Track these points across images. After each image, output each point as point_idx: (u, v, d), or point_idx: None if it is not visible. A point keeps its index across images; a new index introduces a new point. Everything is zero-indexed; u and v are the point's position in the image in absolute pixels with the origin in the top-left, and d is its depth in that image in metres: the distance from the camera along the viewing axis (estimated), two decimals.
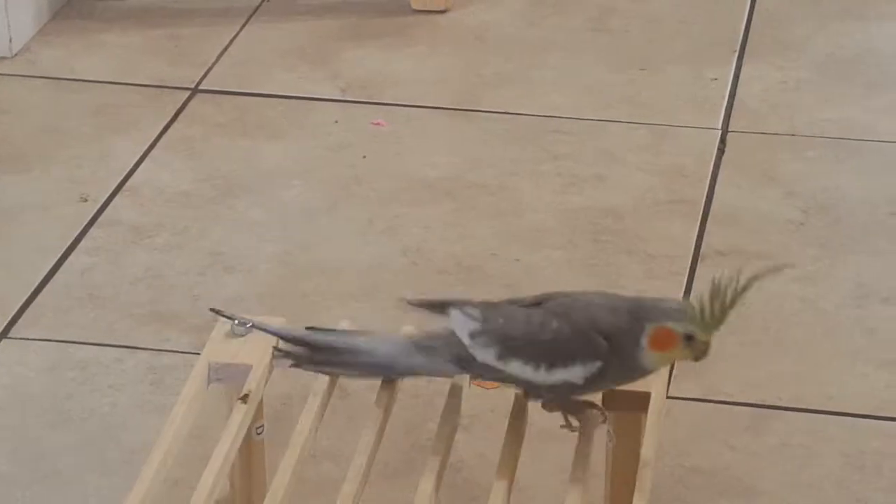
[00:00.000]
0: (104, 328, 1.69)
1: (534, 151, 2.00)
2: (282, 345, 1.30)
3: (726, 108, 2.09)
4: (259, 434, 1.40)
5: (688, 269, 1.78)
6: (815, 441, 1.53)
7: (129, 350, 1.66)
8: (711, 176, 1.96)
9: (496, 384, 1.52)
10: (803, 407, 1.57)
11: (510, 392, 1.35)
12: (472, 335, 1.25)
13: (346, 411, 1.51)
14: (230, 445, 1.29)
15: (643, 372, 1.23)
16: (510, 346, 1.24)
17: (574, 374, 1.23)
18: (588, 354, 1.21)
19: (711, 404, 1.55)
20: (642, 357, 1.21)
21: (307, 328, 1.31)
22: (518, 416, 1.31)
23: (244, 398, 1.33)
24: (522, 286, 1.74)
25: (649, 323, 1.19)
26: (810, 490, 1.47)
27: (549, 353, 1.23)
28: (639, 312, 1.20)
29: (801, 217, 1.88)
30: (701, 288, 1.74)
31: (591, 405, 1.28)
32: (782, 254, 1.81)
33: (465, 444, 1.50)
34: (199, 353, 1.38)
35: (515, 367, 1.24)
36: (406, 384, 1.37)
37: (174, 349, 1.65)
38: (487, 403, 1.55)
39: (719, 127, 2.05)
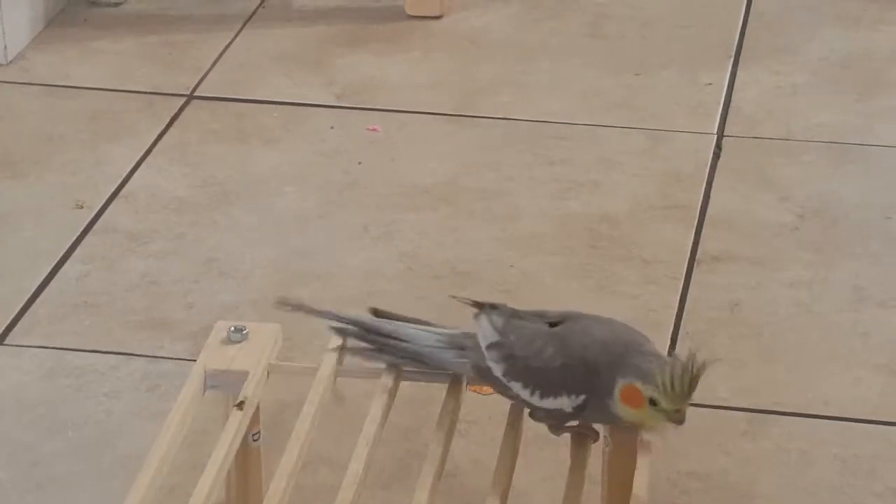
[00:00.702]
0: (100, 335, 1.69)
1: (529, 157, 2.00)
2: (335, 325, 1.33)
3: (721, 112, 2.09)
4: (255, 441, 1.40)
5: (683, 275, 1.78)
6: (811, 445, 1.53)
7: (125, 357, 1.65)
8: (707, 181, 1.96)
9: (492, 390, 1.52)
10: (799, 411, 1.57)
11: (506, 398, 1.35)
12: (489, 347, 1.26)
13: (342, 418, 1.50)
14: (226, 452, 1.28)
15: (621, 420, 1.23)
16: (513, 365, 1.26)
17: (562, 403, 1.24)
18: (572, 387, 1.23)
19: (707, 409, 1.55)
20: (615, 407, 1.22)
21: (374, 312, 1.34)
22: (514, 422, 1.31)
23: (240, 405, 1.33)
24: (518, 292, 1.74)
25: (622, 378, 1.20)
26: (806, 495, 1.47)
27: (541, 380, 1.25)
28: (617, 363, 1.21)
29: (797, 221, 1.88)
30: (696, 294, 1.75)
31: (588, 431, 1.28)
32: (778, 258, 1.81)
33: (461, 450, 1.50)
34: (194, 360, 1.38)
35: (517, 388, 1.26)
36: (401, 390, 1.38)
37: (170, 356, 1.65)
38: (483, 409, 1.55)
39: (715, 132, 2.06)
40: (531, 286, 1.75)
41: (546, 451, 1.49)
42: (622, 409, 1.22)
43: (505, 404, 1.34)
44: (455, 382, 1.34)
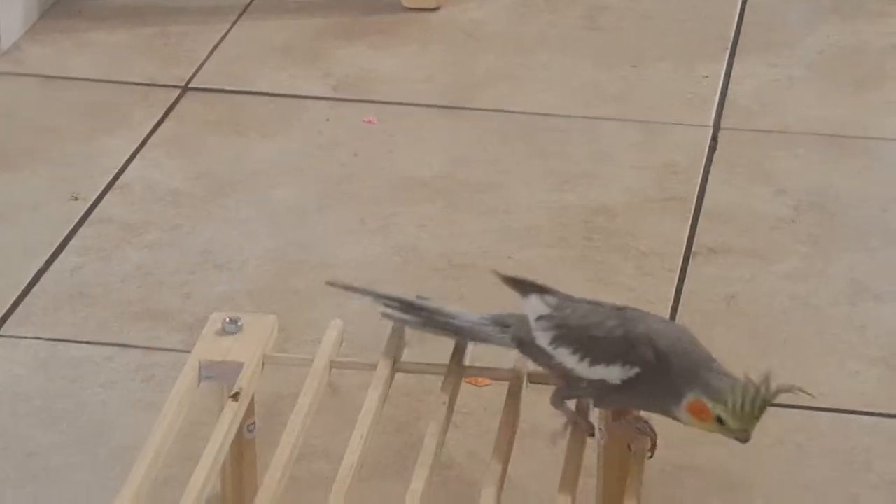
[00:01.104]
0: (95, 326, 1.69)
1: (525, 149, 2.00)
2: (385, 303, 1.35)
3: (718, 105, 2.09)
4: (250, 432, 1.39)
5: (679, 267, 1.78)
6: (807, 438, 1.53)
7: (120, 348, 1.65)
8: (703, 173, 1.96)
9: (488, 381, 1.52)
10: (795, 404, 1.57)
11: (502, 389, 1.35)
12: (539, 318, 1.28)
13: (338, 409, 1.50)
14: (221, 443, 1.28)
15: (675, 418, 1.25)
16: (565, 334, 1.27)
17: (612, 373, 1.24)
18: (630, 359, 1.23)
19: None
20: (679, 413, 1.23)
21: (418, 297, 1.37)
22: (509, 414, 1.31)
23: (235, 396, 1.33)
24: None
25: (691, 391, 1.21)
26: (802, 487, 1.47)
27: (596, 348, 1.25)
28: (693, 372, 1.22)
29: (793, 214, 1.88)
30: (692, 287, 1.74)
31: (630, 420, 1.29)
32: (774, 250, 1.81)
33: (457, 442, 1.49)
34: (190, 351, 1.38)
35: (563, 355, 1.27)
36: (397, 382, 1.37)
37: (165, 347, 1.65)
38: (479, 401, 1.54)
39: (711, 124, 2.05)
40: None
41: (541, 442, 1.49)
42: (685, 417, 1.23)
43: (500, 397, 1.34)
44: (451, 374, 1.34)
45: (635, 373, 1.23)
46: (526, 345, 1.30)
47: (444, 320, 1.34)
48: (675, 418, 1.25)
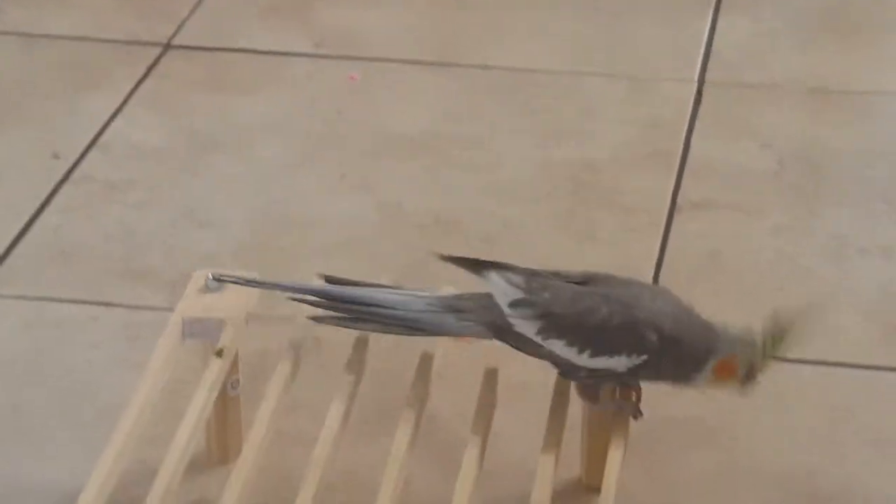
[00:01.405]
0: (79, 285, 1.68)
1: (510, 105, 2.00)
2: (297, 297, 1.27)
3: (703, 59, 2.08)
4: (234, 389, 1.40)
5: (664, 222, 1.78)
6: (791, 390, 1.53)
7: (105, 307, 1.65)
8: (688, 128, 1.95)
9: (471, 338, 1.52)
10: (778, 356, 1.57)
11: (486, 344, 1.34)
12: (513, 304, 1.23)
13: (322, 365, 1.50)
14: (205, 400, 1.28)
15: (688, 386, 1.24)
16: (554, 323, 1.22)
17: (618, 363, 1.22)
18: (635, 348, 1.22)
19: None
20: (699, 379, 1.23)
21: (327, 279, 1.28)
22: (493, 369, 1.31)
23: (219, 353, 1.33)
24: (500, 240, 1.74)
25: (713, 356, 1.21)
26: (785, 439, 1.47)
27: (596, 339, 1.22)
28: (711, 341, 1.22)
29: (777, 168, 1.88)
30: (676, 242, 1.74)
31: (629, 396, 1.28)
32: (759, 205, 1.81)
33: (441, 397, 1.49)
34: (174, 310, 1.37)
35: (556, 346, 1.23)
36: (382, 336, 1.37)
37: (150, 305, 1.64)
38: (464, 355, 1.54)
39: (696, 79, 2.05)
40: (513, 234, 1.74)
41: (526, 397, 1.49)
42: (708, 380, 1.23)
43: (484, 351, 1.34)
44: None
45: (642, 360, 1.23)
46: (504, 332, 1.25)
47: (387, 313, 1.25)
48: (687, 386, 1.25)
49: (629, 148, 1.91)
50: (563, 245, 1.73)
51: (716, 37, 2.13)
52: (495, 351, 1.33)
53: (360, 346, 1.33)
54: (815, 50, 2.10)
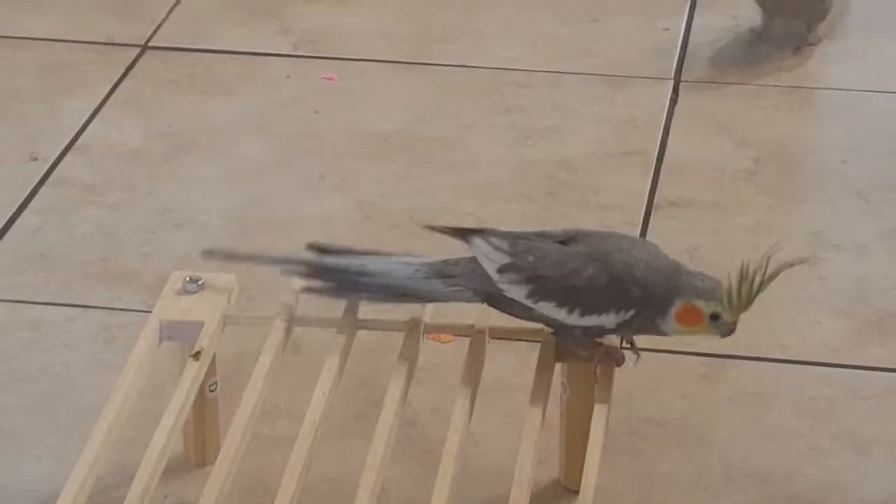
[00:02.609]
0: (56, 287, 1.68)
1: (487, 104, 2.00)
2: (285, 270, 1.27)
3: (678, 58, 2.09)
4: (212, 391, 1.39)
5: (641, 220, 1.78)
6: (769, 389, 1.53)
7: (82, 309, 1.64)
8: (664, 126, 1.96)
9: (451, 338, 1.52)
10: (756, 356, 1.58)
11: (464, 345, 1.35)
12: (501, 270, 1.24)
13: (300, 367, 1.50)
14: (182, 403, 1.28)
15: (662, 334, 1.25)
16: (543, 286, 1.24)
17: (607, 320, 1.24)
18: (622, 303, 1.23)
19: (664, 354, 1.55)
20: (664, 324, 1.24)
21: (317, 248, 1.28)
22: (471, 370, 1.31)
23: (196, 355, 1.32)
24: None
25: (679, 297, 1.22)
26: (764, 438, 1.48)
27: (584, 298, 1.24)
28: (673, 283, 1.23)
29: (754, 166, 1.88)
30: (654, 240, 1.75)
31: (623, 347, 1.29)
32: (735, 203, 1.81)
33: (420, 398, 1.50)
34: (151, 312, 1.37)
35: (546, 308, 1.25)
36: (359, 339, 1.37)
37: (127, 307, 1.64)
38: (441, 357, 1.55)
39: (672, 77, 2.05)
40: None
41: (503, 398, 1.49)
42: (670, 326, 1.24)
43: (462, 353, 1.34)
44: (412, 331, 1.34)
45: (630, 314, 1.24)
46: (495, 298, 1.27)
47: (375, 282, 1.25)
48: (660, 333, 1.26)
49: (606, 146, 1.91)
50: None
51: (691, 36, 2.14)
52: (474, 350, 1.33)
53: (338, 347, 1.33)
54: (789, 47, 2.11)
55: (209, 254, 1.35)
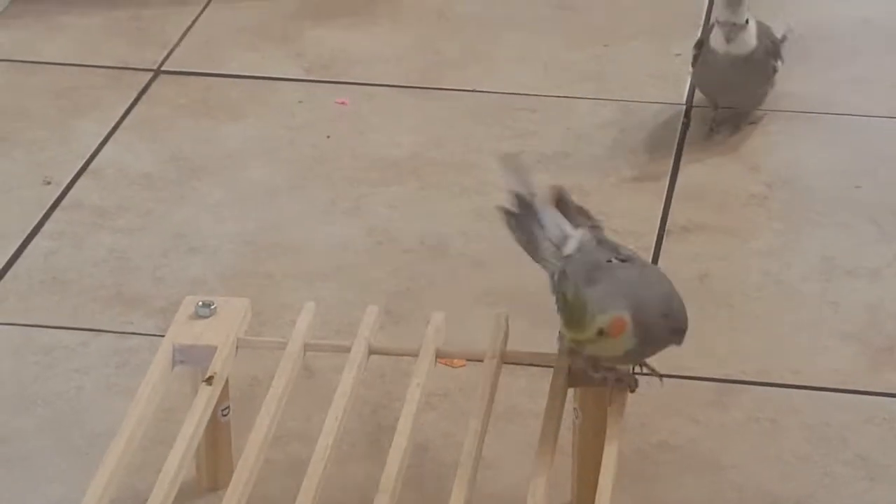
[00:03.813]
0: (68, 312, 1.68)
1: (498, 129, 2.00)
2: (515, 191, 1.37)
3: (690, 83, 2.09)
4: (224, 415, 1.40)
5: (653, 245, 1.79)
6: (781, 415, 1.53)
7: (94, 333, 1.65)
8: (676, 151, 1.96)
9: (463, 363, 1.53)
10: (768, 381, 1.58)
11: (476, 370, 1.35)
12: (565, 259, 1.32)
13: (312, 392, 1.50)
14: (195, 427, 1.28)
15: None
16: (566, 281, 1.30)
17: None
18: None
19: (676, 379, 1.55)
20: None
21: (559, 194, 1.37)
22: (484, 395, 1.31)
23: (209, 380, 1.33)
24: (490, 264, 1.74)
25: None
26: (776, 463, 1.47)
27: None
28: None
29: (765, 191, 1.88)
30: (665, 265, 1.75)
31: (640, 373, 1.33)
32: (747, 228, 1.81)
33: (432, 424, 1.50)
34: (164, 336, 1.38)
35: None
36: (371, 364, 1.37)
37: (139, 331, 1.65)
38: (454, 382, 1.55)
39: (683, 102, 2.06)
40: (503, 258, 1.75)
41: (516, 423, 1.49)
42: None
43: (475, 378, 1.34)
44: (425, 356, 1.35)
45: (634, 343, 1.26)
46: (560, 279, 1.31)
47: (532, 229, 1.35)
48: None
49: (617, 172, 1.91)
50: None
51: None
52: (486, 375, 1.33)
53: (351, 372, 1.33)
54: (800, 73, 2.11)
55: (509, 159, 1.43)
